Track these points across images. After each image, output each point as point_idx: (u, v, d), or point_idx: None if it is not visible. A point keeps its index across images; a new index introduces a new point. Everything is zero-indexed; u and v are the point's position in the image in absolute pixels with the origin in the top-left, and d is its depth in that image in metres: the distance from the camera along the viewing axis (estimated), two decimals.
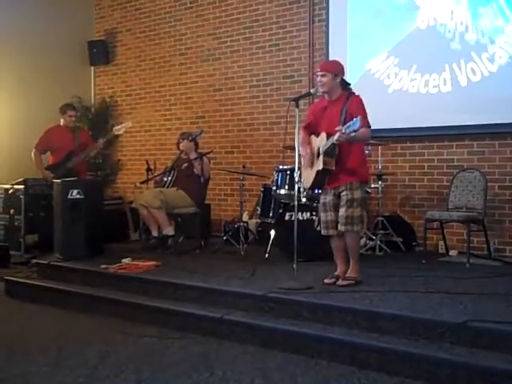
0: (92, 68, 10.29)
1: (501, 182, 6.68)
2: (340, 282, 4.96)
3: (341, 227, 4.95)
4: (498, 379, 3.47)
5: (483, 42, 6.74)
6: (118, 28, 10.11)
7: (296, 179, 5.15)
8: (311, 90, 5.35)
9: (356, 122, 4.48)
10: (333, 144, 4.81)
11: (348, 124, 4.59)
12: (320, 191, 5.27)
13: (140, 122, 9.70)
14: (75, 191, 6.46)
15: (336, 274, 5.09)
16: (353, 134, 4.59)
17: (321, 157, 4.94)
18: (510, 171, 6.63)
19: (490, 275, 5.45)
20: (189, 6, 9.26)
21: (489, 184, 6.40)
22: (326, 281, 5.02)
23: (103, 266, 5.95)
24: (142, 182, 7.47)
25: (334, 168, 4.92)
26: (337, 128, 4.72)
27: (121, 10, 10.08)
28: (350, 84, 5.15)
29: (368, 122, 4.88)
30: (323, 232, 5.13)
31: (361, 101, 4.99)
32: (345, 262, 5.10)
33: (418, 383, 3.65)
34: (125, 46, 10.05)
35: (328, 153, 4.89)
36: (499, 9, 6.64)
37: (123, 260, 6.11)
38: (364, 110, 4.91)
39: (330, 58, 7.51)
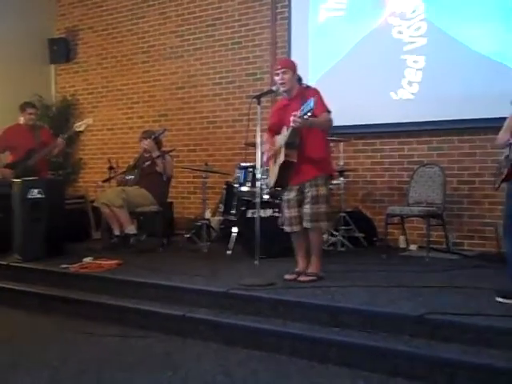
0: (53, 66, 10.18)
1: (459, 177, 6.79)
2: (302, 278, 4.97)
3: (306, 224, 4.94)
4: (456, 370, 3.52)
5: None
6: (79, 26, 10.02)
7: (258, 176, 5.15)
8: (273, 88, 5.34)
9: (310, 103, 4.46)
10: (292, 134, 4.79)
11: (302, 107, 4.58)
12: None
13: (102, 120, 9.64)
14: (35, 190, 6.38)
15: (297, 270, 5.10)
16: (309, 114, 4.52)
17: (282, 150, 4.93)
18: (468, 166, 6.75)
19: (448, 268, 5.55)
20: (151, 3, 9.22)
21: (448, 179, 6.52)
22: (287, 277, 5.03)
23: (64, 266, 5.89)
24: (104, 181, 7.42)
25: (295, 160, 4.88)
26: (292, 113, 4.71)
27: (82, 7, 9.99)
28: (302, 80, 5.16)
29: (327, 108, 4.89)
30: (287, 229, 5.11)
31: (317, 91, 4.99)
32: (306, 259, 5.11)
33: (378, 376, 3.69)
34: (86, 44, 9.96)
35: (289, 144, 4.87)
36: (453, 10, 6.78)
37: (84, 259, 6.06)
38: (321, 98, 4.91)
39: (293, 56, 7.57)
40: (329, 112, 4.90)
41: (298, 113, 4.61)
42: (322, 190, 4.95)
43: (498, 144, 4.33)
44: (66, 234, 6.76)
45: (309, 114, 4.52)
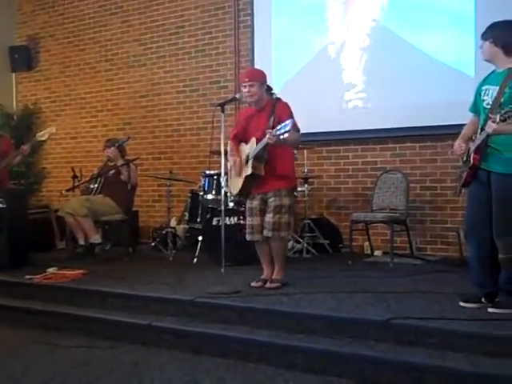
0: (14, 74, 10.05)
1: (422, 183, 6.89)
2: (268, 285, 5.00)
3: (267, 233, 4.96)
4: (421, 374, 3.57)
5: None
6: (41, 33, 9.91)
7: (222, 184, 5.17)
8: (236, 95, 5.36)
9: (287, 124, 4.51)
10: (263, 148, 4.83)
11: (279, 126, 4.60)
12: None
13: (65, 129, 9.54)
14: None
15: (263, 277, 5.13)
16: (285, 135, 4.57)
17: (250, 162, 4.95)
18: (430, 172, 6.86)
19: (412, 274, 5.62)
20: (114, 11, 9.17)
21: (410, 185, 6.61)
22: (253, 284, 5.06)
23: (28, 277, 5.80)
24: (68, 190, 7.34)
25: (262, 173, 4.93)
26: (267, 130, 4.72)
27: (43, 15, 9.88)
28: (272, 89, 5.21)
29: (297, 127, 4.93)
30: (248, 237, 5.14)
31: (288, 106, 5.04)
32: (271, 266, 5.14)
33: (344, 381, 3.71)
34: (48, 52, 9.86)
35: (257, 157, 4.91)
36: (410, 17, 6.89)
37: (49, 269, 5.98)
38: (292, 115, 4.94)
39: (256, 64, 7.63)
40: (298, 131, 4.94)
41: (274, 131, 4.63)
42: (286, 201, 4.99)
43: (454, 153, 4.39)
44: (29, 245, 6.66)
45: (286, 134, 4.57)
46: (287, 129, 4.53)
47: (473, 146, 4.10)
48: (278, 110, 4.98)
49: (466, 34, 6.52)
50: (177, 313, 4.73)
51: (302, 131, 5.20)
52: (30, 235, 6.71)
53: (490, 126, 3.83)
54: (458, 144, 4.25)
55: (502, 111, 3.72)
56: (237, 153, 5.19)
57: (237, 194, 5.26)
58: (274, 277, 5.07)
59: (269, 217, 4.97)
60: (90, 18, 9.40)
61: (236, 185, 5.16)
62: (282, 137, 4.61)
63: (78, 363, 4.26)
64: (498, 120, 3.75)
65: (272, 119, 4.92)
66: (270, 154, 4.91)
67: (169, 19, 8.67)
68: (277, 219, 4.94)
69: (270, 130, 4.68)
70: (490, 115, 3.87)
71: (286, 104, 5.07)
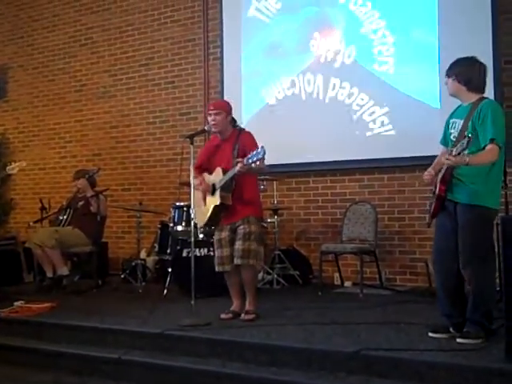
0: None
1: (390, 214, 6.96)
2: (244, 317, 4.96)
3: (237, 260, 4.96)
4: None
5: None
6: (9, 64, 9.88)
7: (192, 215, 5.16)
8: (206, 127, 5.36)
9: (259, 152, 4.55)
10: (231, 178, 4.86)
11: (250, 155, 4.63)
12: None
13: (34, 159, 9.46)
14: None
15: (232, 309, 5.11)
16: (257, 163, 4.62)
17: (217, 192, 4.97)
18: (398, 203, 6.93)
19: (381, 304, 5.63)
20: (83, 42, 9.20)
21: (379, 216, 6.66)
22: (223, 316, 5.04)
23: None
24: (35, 222, 7.28)
25: (230, 203, 4.96)
26: (238, 159, 4.75)
27: (12, 45, 9.87)
28: (236, 121, 5.25)
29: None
30: (218, 268, 5.12)
31: (251, 135, 5.11)
32: (240, 297, 5.14)
33: None
34: (17, 83, 9.82)
35: (225, 188, 4.94)
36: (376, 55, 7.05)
37: (16, 303, 5.88)
38: (257, 144, 4.97)
39: (225, 95, 7.69)
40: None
41: (245, 160, 4.66)
42: (254, 228, 5.01)
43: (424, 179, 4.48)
44: None
45: (257, 162, 4.62)
46: (259, 157, 4.57)
47: (439, 177, 4.18)
48: (241, 140, 5.04)
49: (431, 67, 6.66)
50: (147, 346, 4.67)
51: (271, 163, 5.25)
52: None
53: (448, 159, 3.91)
54: (428, 171, 4.33)
55: (458, 146, 3.83)
56: (202, 181, 5.20)
57: (204, 225, 5.23)
58: (247, 308, 5.04)
59: (238, 244, 4.97)
60: (59, 48, 9.41)
61: (202, 215, 5.15)
62: (254, 165, 4.66)
63: None
64: (454, 153, 3.85)
65: (236, 150, 4.97)
66: (237, 181, 4.95)
67: (138, 51, 8.72)
68: (246, 246, 4.94)
69: (241, 159, 4.71)
70: (450, 149, 3.98)
71: (249, 134, 5.13)
